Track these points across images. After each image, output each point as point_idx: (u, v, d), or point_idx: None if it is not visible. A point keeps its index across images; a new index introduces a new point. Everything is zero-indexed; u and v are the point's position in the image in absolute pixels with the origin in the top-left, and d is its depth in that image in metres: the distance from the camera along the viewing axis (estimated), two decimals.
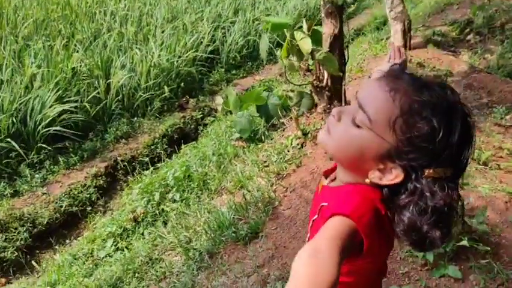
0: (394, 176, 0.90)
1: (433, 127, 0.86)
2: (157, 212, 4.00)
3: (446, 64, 5.77)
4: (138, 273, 3.15)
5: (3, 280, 4.21)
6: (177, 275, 2.90)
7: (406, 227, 0.88)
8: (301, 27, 3.80)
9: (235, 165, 4.08)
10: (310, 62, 3.84)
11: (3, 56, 6.25)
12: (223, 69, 7.97)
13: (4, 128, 5.26)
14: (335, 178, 1.05)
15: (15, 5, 8.06)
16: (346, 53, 3.97)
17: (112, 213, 4.87)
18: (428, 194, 0.87)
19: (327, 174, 1.11)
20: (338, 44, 3.80)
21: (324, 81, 3.78)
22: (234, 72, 8.18)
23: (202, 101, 7.12)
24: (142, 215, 4.03)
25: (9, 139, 5.17)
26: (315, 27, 3.78)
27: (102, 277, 3.17)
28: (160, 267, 3.11)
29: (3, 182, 4.96)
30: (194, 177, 4.20)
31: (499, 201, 2.87)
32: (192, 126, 6.57)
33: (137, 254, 3.35)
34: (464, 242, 2.46)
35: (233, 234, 2.95)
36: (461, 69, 5.74)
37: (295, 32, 3.70)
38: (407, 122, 0.87)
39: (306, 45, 3.46)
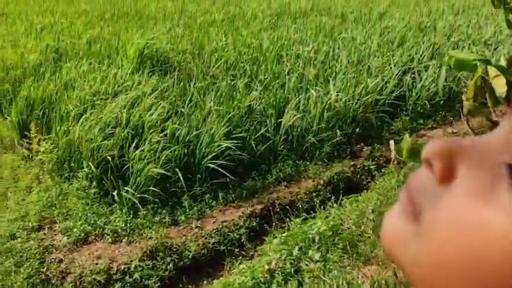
0: None
1: None
2: (293, 269, 3.46)
3: None
4: None
5: None
6: None
7: None
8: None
9: None
10: None
11: (190, 91, 6.70)
12: (407, 117, 7.12)
13: (176, 159, 5.49)
14: None
15: (214, 48, 8.76)
16: None
17: (259, 259, 4.53)
18: None
19: None
20: None
21: None
22: (420, 121, 7.24)
23: (377, 150, 6.39)
24: (278, 269, 3.55)
25: (177, 169, 5.35)
26: None
27: None
28: None
29: (165, 210, 5.10)
30: (344, 236, 3.55)
31: None
32: (362, 177, 5.90)
33: None
34: None
35: None
36: None
37: (489, 67, 2.83)
38: None
39: (500, 85, 2.57)
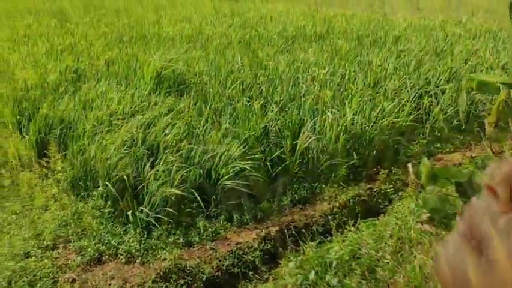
0: None
1: None
2: None
3: None
4: None
5: None
6: None
7: None
8: None
9: (415, 255, 3.21)
10: None
11: (206, 112, 6.73)
12: (425, 141, 7.03)
13: (191, 179, 5.47)
14: None
15: (230, 70, 8.83)
16: None
17: (274, 283, 4.44)
18: None
19: None
20: None
21: None
22: (438, 145, 7.15)
23: (394, 174, 6.30)
24: None
25: (193, 190, 5.33)
26: None
27: None
28: None
29: (179, 231, 5.05)
30: (362, 260, 3.47)
31: None
32: (379, 200, 5.81)
33: None
34: None
35: None
36: None
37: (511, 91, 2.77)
38: None
39: None
